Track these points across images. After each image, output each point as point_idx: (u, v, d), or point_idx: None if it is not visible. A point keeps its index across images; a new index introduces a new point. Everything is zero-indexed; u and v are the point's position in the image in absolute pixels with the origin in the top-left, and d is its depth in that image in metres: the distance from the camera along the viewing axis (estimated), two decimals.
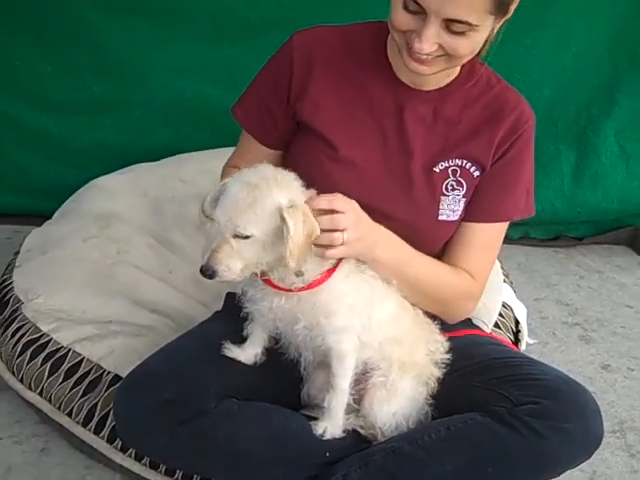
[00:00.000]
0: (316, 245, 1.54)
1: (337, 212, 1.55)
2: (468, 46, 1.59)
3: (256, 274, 1.55)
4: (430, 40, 1.55)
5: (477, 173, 1.77)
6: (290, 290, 1.56)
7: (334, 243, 1.55)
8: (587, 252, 3.46)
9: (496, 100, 1.77)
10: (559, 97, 3.30)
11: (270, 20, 2.96)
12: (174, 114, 3.19)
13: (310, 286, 1.56)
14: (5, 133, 3.21)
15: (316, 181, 1.61)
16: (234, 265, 1.47)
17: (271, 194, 1.47)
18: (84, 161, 3.22)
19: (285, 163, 1.83)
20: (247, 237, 1.46)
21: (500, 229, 1.84)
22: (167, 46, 3.10)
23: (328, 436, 1.63)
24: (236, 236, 1.46)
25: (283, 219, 1.45)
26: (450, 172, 1.76)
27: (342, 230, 1.55)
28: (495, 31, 1.62)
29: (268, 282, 1.58)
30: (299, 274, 1.54)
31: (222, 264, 1.46)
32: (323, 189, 1.59)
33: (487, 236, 1.83)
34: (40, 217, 2.81)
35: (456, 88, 1.77)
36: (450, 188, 1.76)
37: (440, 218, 1.77)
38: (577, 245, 3.52)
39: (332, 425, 1.64)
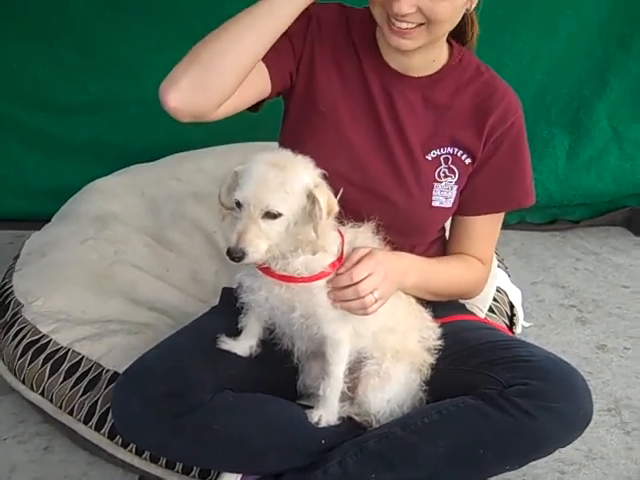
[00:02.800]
0: (351, 311, 1.61)
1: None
2: (447, 9, 1.60)
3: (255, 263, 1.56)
4: (409, 1, 1.56)
5: (468, 160, 1.80)
6: (292, 279, 1.57)
7: (368, 306, 1.60)
8: (583, 235, 3.47)
9: (486, 87, 1.80)
10: (550, 81, 3.31)
11: None
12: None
13: (312, 278, 1.58)
14: (5, 135, 3.27)
15: (319, 161, 1.61)
16: (261, 246, 1.49)
17: (299, 174, 1.51)
18: (83, 160, 3.27)
19: (284, 137, 1.86)
20: (275, 217, 1.48)
21: (502, 215, 1.91)
22: (161, 44, 3.11)
23: (323, 424, 1.66)
24: (265, 216, 1.48)
25: (313, 197, 1.49)
26: (442, 159, 1.79)
27: (371, 292, 1.60)
28: (474, 6, 1.64)
29: (267, 271, 1.59)
30: (320, 249, 1.56)
31: (251, 245, 1.47)
32: (324, 168, 1.59)
33: (491, 223, 1.89)
34: (40, 221, 2.83)
35: (445, 75, 1.79)
36: (443, 175, 1.79)
37: (434, 204, 1.80)
38: (573, 228, 3.53)
39: (327, 412, 1.67)
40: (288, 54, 1.76)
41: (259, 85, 1.73)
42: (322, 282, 1.59)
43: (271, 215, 1.48)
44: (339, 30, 1.80)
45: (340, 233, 1.64)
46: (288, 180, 1.49)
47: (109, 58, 3.17)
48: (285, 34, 1.67)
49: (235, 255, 1.47)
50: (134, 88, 3.18)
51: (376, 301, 1.61)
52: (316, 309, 1.60)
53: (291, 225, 1.51)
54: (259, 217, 1.48)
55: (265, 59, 1.68)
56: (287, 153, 1.56)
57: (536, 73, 3.29)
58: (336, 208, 1.55)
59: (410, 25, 1.61)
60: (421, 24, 1.62)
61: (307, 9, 1.68)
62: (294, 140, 1.79)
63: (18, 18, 3.08)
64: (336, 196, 1.58)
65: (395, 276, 1.67)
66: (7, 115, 3.23)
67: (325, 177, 1.56)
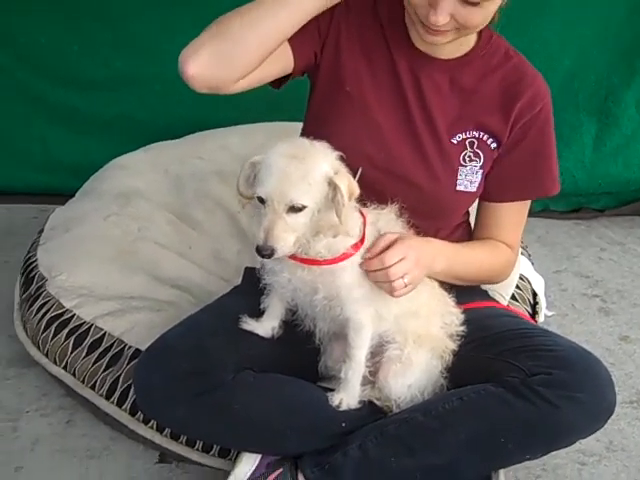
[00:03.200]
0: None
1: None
2: (481, 16, 1.60)
3: None
4: (445, 12, 1.56)
5: (494, 145, 1.78)
6: (315, 261, 1.56)
7: (397, 290, 1.60)
8: (609, 224, 3.44)
9: (515, 71, 1.78)
10: (579, 67, 3.28)
11: None
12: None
13: (335, 260, 1.57)
14: (32, 111, 3.29)
15: (345, 142, 1.61)
16: (289, 239, 1.49)
17: (318, 164, 1.49)
18: (107, 136, 3.30)
19: (308, 117, 1.87)
20: (300, 210, 1.48)
21: (529, 201, 1.90)
22: (188, 22, 3.05)
23: (344, 407, 1.66)
24: (289, 210, 1.47)
25: (334, 185, 1.49)
26: (468, 144, 1.78)
27: (401, 277, 1.59)
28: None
29: (290, 254, 1.57)
30: (344, 233, 1.56)
31: (280, 241, 1.47)
32: (347, 149, 1.58)
33: (519, 209, 1.89)
34: (64, 196, 2.84)
35: (473, 58, 1.77)
36: (468, 159, 1.78)
37: (458, 188, 1.79)
38: (598, 217, 3.50)
39: (348, 396, 1.67)
40: (313, 34, 1.75)
41: (281, 62, 1.72)
42: (345, 263, 1.59)
43: (296, 209, 1.47)
44: (366, 11, 1.79)
45: (362, 214, 1.63)
46: (309, 171, 1.48)
47: (135, 35, 3.18)
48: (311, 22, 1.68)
49: (265, 252, 1.47)
50: (159, 65, 3.15)
51: (406, 286, 1.60)
52: (339, 291, 1.60)
53: (315, 214, 1.51)
54: (284, 212, 1.47)
55: (290, 37, 1.67)
56: (303, 142, 1.54)
57: (565, 59, 3.26)
58: (357, 191, 1.54)
59: (444, 28, 1.61)
60: (454, 28, 1.62)
61: None
62: (319, 120, 1.81)
63: None
64: (355, 176, 1.58)
65: (426, 261, 1.67)
66: (33, 89, 3.25)
67: (343, 159, 1.55)
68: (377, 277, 1.60)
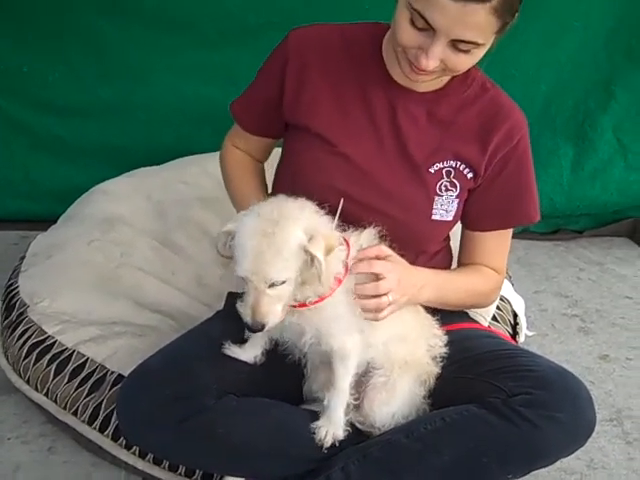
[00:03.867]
0: (365, 311, 1.61)
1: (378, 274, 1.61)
2: (469, 62, 1.62)
3: None
4: (436, 57, 1.57)
5: (470, 175, 1.80)
6: (303, 305, 1.56)
7: (381, 307, 1.61)
8: (587, 245, 3.49)
9: (491, 104, 1.80)
10: (556, 92, 3.33)
11: (269, 22, 3.01)
12: (177, 116, 3.27)
13: (322, 298, 1.56)
14: (13, 138, 3.29)
15: (314, 178, 1.71)
16: (276, 310, 1.49)
17: (290, 235, 1.46)
18: (90, 163, 3.31)
19: (281, 159, 1.91)
20: (282, 283, 1.47)
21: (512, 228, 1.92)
22: (169, 50, 3.16)
23: (330, 440, 1.64)
24: (271, 286, 1.47)
25: (309, 254, 1.47)
26: (444, 173, 1.79)
27: (386, 294, 1.61)
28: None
29: None
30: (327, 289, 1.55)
31: (267, 315, 1.48)
32: (321, 186, 1.66)
33: (503, 237, 1.90)
34: (46, 222, 2.84)
35: (450, 91, 1.79)
36: (444, 189, 1.79)
37: (434, 218, 1.80)
38: (577, 238, 3.54)
39: (333, 426, 1.65)
40: (268, 108, 1.85)
41: (268, 145, 1.98)
42: (330, 297, 1.58)
43: (278, 283, 1.47)
44: (331, 46, 1.81)
45: (346, 243, 1.62)
46: (282, 247, 1.45)
47: (118, 62, 3.20)
48: (257, 98, 1.88)
49: (255, 329, 1.49)
50: (142, 92, 3.22)
51: (389, 304, 1.62)
52: (327, 325, 1.59)
53: (298, 279, 1.50)
54: (265, 288, 1.47)
55: (252, 130, 1.94)
56: (272, 210, 1.51)
57: (542, 84, 3.31)
58: (336, 244, 1.52)
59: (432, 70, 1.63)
60: (442, 69, 1.64)
61: (286, 42, 1.80)
62: (292, 159, 1.85)
63: (28, 21, 3.10)
64: (335, 213, 1.59)
65: (408, 289, 1.68)
66: (15, 118, 3.26)
67: (319, 204, 1.57)
68: (366, 289, 1.60)
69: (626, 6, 3.18)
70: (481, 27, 1.52)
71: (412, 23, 1.56)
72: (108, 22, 3.12)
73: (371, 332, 1.65)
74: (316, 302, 1.56)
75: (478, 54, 1.61)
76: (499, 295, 2.02)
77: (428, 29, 1.54)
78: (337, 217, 1.60)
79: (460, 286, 1.86)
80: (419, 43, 1.58)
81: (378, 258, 1.63)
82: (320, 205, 1.58)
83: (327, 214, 1.58)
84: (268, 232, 1.45)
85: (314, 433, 1.64)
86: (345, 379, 1.65)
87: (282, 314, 1.51)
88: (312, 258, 1.47)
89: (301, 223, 1.49)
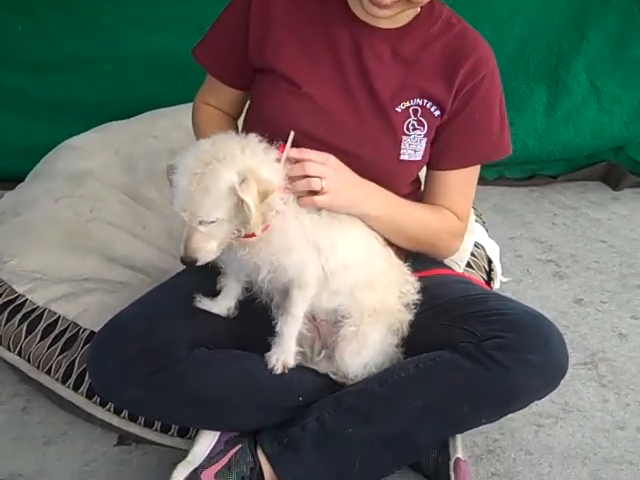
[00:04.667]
0: (298, 195, 1.58)
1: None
2: None
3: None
4: None
5: (437, 112, 1.78)
6: (248, 235, 1.54)
7: (314, 188, 1.59)
8: (561, 189, 3.48)
9: (456, 39, 1.77)
10: (529, 35, 3.29)
11: None
12: (146, 68, 3.19)
13: (265, 228, 1.54)
14: None
15: (280, 119, 1.68)
16: (210, 246, 1.50)
17: (220, 177, 1.46)
18: (58, 118, 3.22)
19: (249, 104, 1.90)
20: (212, 222, 1.47)
21: (476, 169, 1.88)
22: (137, 1, 3.07)
23: (280, 367, 1.63)
24: (202, 222, 1.47)
25: (240, 198, 1.46)
26: (411, 111, 1.77)
27: (319, 177, 1.59)
28: None
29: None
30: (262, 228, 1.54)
31: (199, 250, 1.49)
32: (287, 127, 1.63)
33: (465, 178, 1.87)
34: (14, 181, 2.80)
35: (415, 27, 1.77)
36: (411, 128, 1.77)
37: (402, 158, 1.78)
38: (552, 183, 3.53)
39: (284, 353, 1.64)
40: (234, 51, 1.83)
41: (238, 97, 1.93)
42: (275, 225, 1.56)
43: (207, 222, 1.47)
44: None
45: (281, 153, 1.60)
46: (211, 187, 1.45)
47: (85, 15, 3.11)
48: (221, 41, 1.85)
49: (187, 263, 1.50)
50: (110, 45, 3.14)
51: (324, 192, 1.60)
52: (278, 257, 1.58)
53: (232, 217, 1.49)
54: (197, 224, 1.47)
55: (220, 76, 1.90)
56: (209, 151, 1.50)
57: (515, 27, 3.26)
58: (273, 189, 1.50)
59: (390, 2, 1.60)
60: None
61: None
62: (258, 102, 1.84)
63: None
64: (285, 142, 1.60)
65: (349, 187, 1.67)
66: None
67: (273, 138, 1.57)
68: (295, 171, 1.59)
69: None
70: None
71: None
72: None
73: (336, 276, 1.64)
74: (261, 231, 1.54)
75: None
76: (459, 245, 1.95)
77: None
78: (285, 152, 1.59)
79: (412, 214, 1.81)
80: None
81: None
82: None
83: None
84: (198, 173, 1.46)
85: (266, 361, 1.64)
86: (300, 306, 1.64)
87: (218, 251, 1.52)
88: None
89: (235, 165, 1.48)
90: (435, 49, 1.77)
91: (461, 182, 1.87)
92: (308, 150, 1.63)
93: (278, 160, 1.57)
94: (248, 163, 1.49)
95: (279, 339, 1.65)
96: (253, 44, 1.79)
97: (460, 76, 1.75)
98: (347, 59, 1.76)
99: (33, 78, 3.19)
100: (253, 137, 1.56)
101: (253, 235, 1.54)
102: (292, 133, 1.62)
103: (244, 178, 1.46)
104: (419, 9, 1.75)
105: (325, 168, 1.62)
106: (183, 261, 1.50)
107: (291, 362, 1.64)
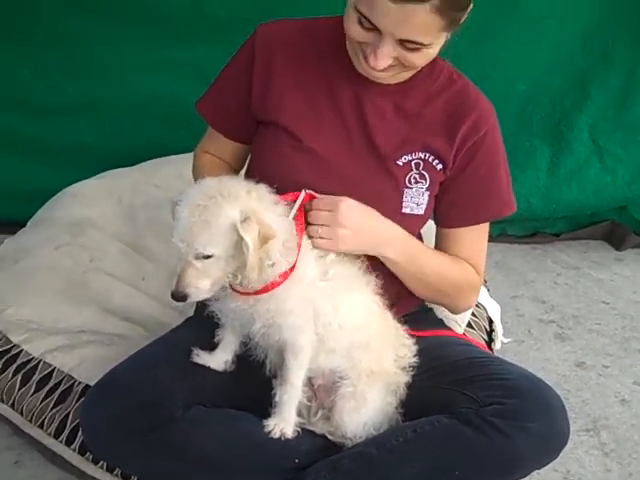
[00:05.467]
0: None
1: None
2: (423, 58, 1.62)
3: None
4: (386, 57, 1.58)
5: (440, 167, 1.78)
6: (246, 293, 1.55)
7: (310, 234, 1.61)
8: (564, 248, 3.47)
9: (458, 96, 1.78)
10: (533, 92, 3.30)
11: (240, 18, 2.95)
12: (148, 114, 3.19)
13: (267, 289, 1.54)
14: None
15: (281, 174, 1.68)
16: (203, 284, 1.49)
17: (222, 212, 1.46)
18: (60, 164, 3.22)
19: (251, 157, 1.90)
20: (209, 257, 1.47)
21: (486, 225, 1.88)
22: (141, 47, 3.10)
23: (277, 433, 1.60)
24: (198, 257, 1.46)
25: (240, 235, 1.46)
26: (413, 165, 1.77)
27: (321, 225, 1.61)
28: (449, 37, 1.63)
29: (230, 285, 1.57)
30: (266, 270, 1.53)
31: (191, 286, 1.48)
32: (288, 181, 1.63)
33: (478, 233, 1.87)
34: (15, 226, 2.79)
35: (417, 83, 1.78)
36: (413, 181, 1.77)
37: (404, 211, 1.78)
38: (554, 241, 3.52)
39: (282, 422, 1.62)
40: (238, 106, 1.84)
41: (239, 150, 1.93)
42: (276, 291, 1.55)
43: (203, 256, 1.46)
44: (298, 41, 1.81)
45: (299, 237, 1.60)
46: (211, 220, 1.45)
47: (88, 60, 3.13)
48: (224, 95, 1.87)
49: (178, 297, 1.49)
50: (112, 91, 3.16)
51: (320, 237, 1.62)
52: (274, 318, 1.57)
53: (230, 258, 1.49)
54: (193, 259, 1.47)
55: (223, 130, 1.90)
56: (214, 187, 1.51)
57: (518, 84, 3.28)
58: (274, 235, 1.49)
59: (387, 66, 1.62)
60: (398, 64, 1.63)
61: (252, 38, 1.81)
62: (259, 155, 1.85)
63: None
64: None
65: (361, 233, 1.68)
66: None
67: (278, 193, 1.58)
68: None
69: (603, 6, 3.17)
70: (425, 26, 1.52)
71: (360, 23, 1.57)
72: (78, 18, 3.04)
73: (330, 334, 1.62)
74: (258, 293, 1.55)
75: (431, 50, 1.61)
76: (476, 299, 1.95)
77: (375, 29, 1.55)
78: (295, 208, 1.60)
79: (433, 262, 1.81)
80: (369, 40, 1.59)
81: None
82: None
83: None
84: (201, 205, 1.46)
85: (264, 427, 1.61)
86: (297, 374, 1.62)
87: (210, 291, 1.51)
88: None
89: (240, 203, 1.48)
90: (437, 105, 1.78)
91: (474, 237, 1.86)
92: (321, 196, 1.65)
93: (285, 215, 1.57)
94: (253, 205, 1.49)
95: (279, 408, 1.62)
96: (256, 97, 1.80)
97: (461, 133, 1.76)
98: (349, 114, 1.77)
99: (35, 122, 3.20)
100: (262, 186, 1.56)
101: (248, 293, 1.53)
102: (303, 192, 1.63)
103: (246, 217, 1.46)
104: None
105: (328, 215, 1.63)
106: (173, 296, 1.49)
107: (290, 432, 1.62)
